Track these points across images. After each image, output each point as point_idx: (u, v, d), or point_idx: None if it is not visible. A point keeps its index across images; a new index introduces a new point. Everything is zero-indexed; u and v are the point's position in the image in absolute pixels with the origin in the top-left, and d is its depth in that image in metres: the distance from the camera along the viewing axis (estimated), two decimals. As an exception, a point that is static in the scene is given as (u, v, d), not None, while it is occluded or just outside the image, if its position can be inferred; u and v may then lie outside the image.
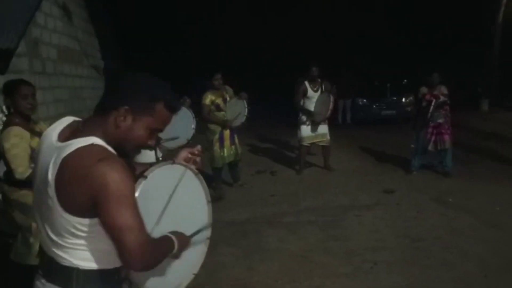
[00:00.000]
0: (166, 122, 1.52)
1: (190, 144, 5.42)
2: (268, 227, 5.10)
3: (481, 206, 5.55)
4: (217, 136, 6.31)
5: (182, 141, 5.17)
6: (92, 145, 1.36)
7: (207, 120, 6.31)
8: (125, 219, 1.31)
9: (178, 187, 1.68)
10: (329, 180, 7.16)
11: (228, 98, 6.43)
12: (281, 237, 4.79)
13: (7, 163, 3.07)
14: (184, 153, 1.79)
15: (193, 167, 1.79)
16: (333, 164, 7.75)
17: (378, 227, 5.00)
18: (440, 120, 6.83)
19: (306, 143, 7.47)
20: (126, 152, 1.48)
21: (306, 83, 7.35)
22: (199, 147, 1.87)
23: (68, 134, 1.43)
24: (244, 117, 6.31)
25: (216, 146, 6.31)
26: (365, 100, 14.17)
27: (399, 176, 7.19)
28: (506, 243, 4.42)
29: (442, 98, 6.81)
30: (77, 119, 1.53)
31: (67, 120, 1.52)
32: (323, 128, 7.43)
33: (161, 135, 5.16)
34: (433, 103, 6.74)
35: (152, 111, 1.46)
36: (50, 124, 1.55)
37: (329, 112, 7.24)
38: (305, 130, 7.38)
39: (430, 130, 6.86)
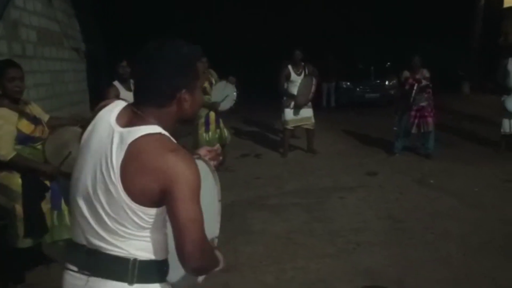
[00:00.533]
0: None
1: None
2: (253, 209, 5.15)
3: (462, 187, 5.68)
4: (202, 119, 6.30)
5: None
6: (160, 134, 1.33)
7: None
8: (195, 213, 1.29)
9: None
10: (313, 163, 7.22)
11: (213, 82, 6.43)
12: (266, 219, 4.84)
13: None
14: (204, 151, 1.75)
15: (212, 163, 1.72)
16: (317, 147, 7.80)
17: (361, 209, 5.08)
18: (423, 103, 6.92)
19: (290, 126, 7.51)
20: (190, 120, 1.49)
21: (290, 66, 7.36)
22: (218, 146, 1.83)
23: (127, 119, 1.38)
24: (234, 101, 6.35)
25: (202, 130, 6.31)
26: (349, 83, 14.23)
27: (382, 159, 7.29)
28: (485, 223, 4.54)
29: (424, 82, 6.90)
30: (129, 103, 1.46)
31: (121, 103, 1.45)
32: (307, 112, 7.46)
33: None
34: (415, 87, 6.82)
35: (197, 73, 1.45)
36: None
37: (311, 95, 7.27)
38: (289, 113, 7.41)
39: (413, 113, 6.94)
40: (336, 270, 3.67)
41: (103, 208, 1.33)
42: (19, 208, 3.20)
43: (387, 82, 13.79)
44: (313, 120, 7.52)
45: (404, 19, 18.37)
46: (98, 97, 5.09)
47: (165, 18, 17.65)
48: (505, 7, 15.65)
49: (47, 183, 3.35)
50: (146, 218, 1.33)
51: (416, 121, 6.98)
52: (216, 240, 1.75)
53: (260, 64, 17.77)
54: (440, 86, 9.10)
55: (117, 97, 4.95)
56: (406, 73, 7.03)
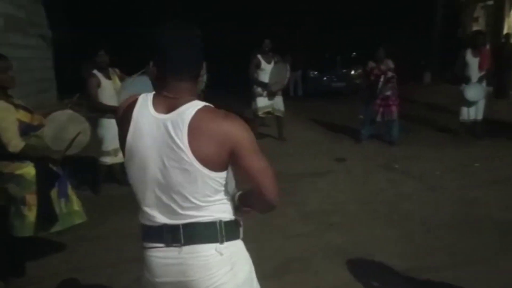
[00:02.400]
0: None
1: None
2: (228, 194, 5.31)
3: (424, 171, 6.03)
4: None
5: None
6: (205, 106, 1.48)
7: None
8: (264, 161, 1.51)
9: None
10: (283, 150, 7.45)
11: None
12: (241, 204, 5.01)
13: None
14: None
15: None
16: (287, 134, 8.03)
17: (331, 192, 5.35)
18: (388, 93, 7.23)
19: (261, 113, 7.66)
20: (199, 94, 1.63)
21: (259, 56, 7.50)
22: None
23: (167, 106, 1.49)
24: (204, 83, 6.38)
25: None
26: (316, 73, 14.50)
27: (349, 145, 7.60)
28: (445, 204, 4.88)
29: (389, 74, 7.20)
30: (153, 92, 1.57)
31: (144, 96, 1.55)
32: (278, 100, 7.64)
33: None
34: (381, 79, 7.11)
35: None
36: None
37: (286, 80, 7.43)
38: (261, 101, 7.56)
39: (378, 102, 7.25)
40: (311, 248, 3.91)
41: (183, 187, 1.48)
42: (30, 198, 3.18)
43: (353, 72, 14.12)
44: (283, 109, 7.72)
45: (369, 11, 18.78)
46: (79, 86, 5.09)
47: (133, 4, 17.39)
48: (463, 0, 16.28)
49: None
50: (221, 181, 1.51)
51: (381, 109, 7.29)
52: None
53: (229, 53, 17.79)
54: (403, 76, 9.48)
55: (99, 86, 5.01)
56: (372, 64, 7.31)
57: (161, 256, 1.56)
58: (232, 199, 1.64)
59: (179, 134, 1.43)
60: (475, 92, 7.12)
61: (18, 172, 3.16)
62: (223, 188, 1.55)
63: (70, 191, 3.52)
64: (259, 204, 1.59)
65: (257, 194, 1.54)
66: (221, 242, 1.54)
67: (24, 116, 3.16)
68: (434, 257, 3.72)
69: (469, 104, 7.24)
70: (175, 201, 1.50)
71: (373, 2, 18.69)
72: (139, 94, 1.58)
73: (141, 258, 3.83)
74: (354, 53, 15.96)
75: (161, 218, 1.54)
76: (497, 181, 5.52)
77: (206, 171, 1.45)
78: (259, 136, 7.99)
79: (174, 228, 1.53)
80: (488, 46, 10.54)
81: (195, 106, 1.47)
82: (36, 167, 3.20)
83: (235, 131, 1.46)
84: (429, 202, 4.96)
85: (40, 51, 9.54)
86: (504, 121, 8.62)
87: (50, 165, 3.32)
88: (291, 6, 19.41)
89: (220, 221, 1.54)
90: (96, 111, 5.06)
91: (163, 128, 1.46)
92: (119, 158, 5.09)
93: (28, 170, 3.20)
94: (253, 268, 1.71)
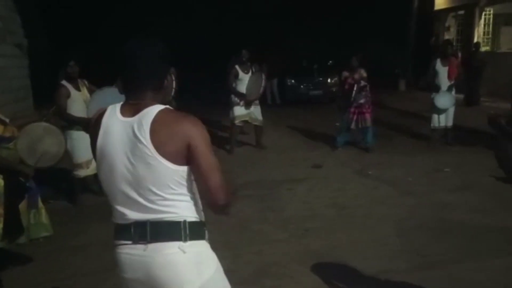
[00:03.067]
0: None
1: None
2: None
3: (397, 176, 6.21)
4: None
5: None
6: (166, 108, 1.65)
7: None
8: (214, 160, 1.64)
9: None
10: (261, 157, 7.56)
11: None
12: (220, 210, 5.09)
13: None
14: None
15: None
16: (265, 142, 8.14)
17: (309, 198, 5.47)
18: (362, 101, 7.42)
19: (238, 121, 7.71)
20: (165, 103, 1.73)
21: (237, 66, 7.58)
22: None
23: (132, 111, 1.65)
24: (173, 90, 6.37)
25: None
26: (293, 81, 14.61)
27: (326, 152, 7.75)
28: (418, 208, 5.06)
29: (362, 82, 7.40)
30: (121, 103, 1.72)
31: (113, 106, 1.70)
32: (256, 109, 7.72)
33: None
34: (355, 88, 7.30)
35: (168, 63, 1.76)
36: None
37: (261, 89, 7.53)
38: (238, 110, 7.62)
39: (352, 110, 7.43)
40: (289, 252, 4.02)
41: (149, 182, 1.60)
42: None
43: (329, 80, 14.31)
44: (261, 118, 7.81)
45: (346, 20, 19.14)
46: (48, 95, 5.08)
47: (109, 13, 17.33)
48: (436, 10, 16.76)
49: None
50: (184, 175, 1.63)
51: (355, 117, 7.47)
52: None
53: (208, 62, 17.83)
54: (379, 83, 9.73)
55: (68, 97, 5.00)
56: (345, 73, 7.49)
57: (128, 252, 1.67)
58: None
59: (142, 132, 1.58)
60: (445, 100, 7.36)
61: None
62: (185, 184, 1.65)
63: (40, 203, 3.53)
64: (208, 202, 1.68)
65: (204, 193, 1.67)
66: (184, 240, 1.63)
67: None
68: (408, 259, 3.87)
69: (440, 111, 7.48)
70: (142, 195, 1.62)
71: (350, 12, 19.07)
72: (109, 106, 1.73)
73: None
74: (330, 62, 16.17)
75: (131, 214, 1.66)
76: (466, 186, 5.74)
77: (167, 163, 1.58)
78: (238, 144, 8.10)
79: (142, 224, 1.64)
80: (459, 55, 10.96)
81: (157, 108, 1.63)
82: (5, 178, 3.20)
83: (191, 127, 1.61)
84: (402, 206, 5.12)
85: (17, 59, 9.43)
86: (474, 128, 8.90)
87: (20, 178, 3.31)
88: (268, 15, 19.63)
89: (185, 220, 1.65)
90: (67, 123, 5.03)
91: (129, 129, 1.61)
92: (91, 170, 5.10)
93: None
94: (220, 269, 1.80)
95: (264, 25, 19.33)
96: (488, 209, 4.92)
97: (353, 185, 5.95)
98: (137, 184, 1.62)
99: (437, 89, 7.43)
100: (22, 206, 3.35)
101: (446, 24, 16.58)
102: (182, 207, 1.65)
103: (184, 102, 6.94)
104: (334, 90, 13.73)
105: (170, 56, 1.75)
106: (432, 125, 7.71)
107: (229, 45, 10.90)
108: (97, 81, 5.47)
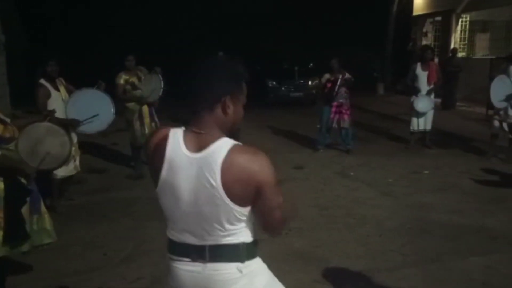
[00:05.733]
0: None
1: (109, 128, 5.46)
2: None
3: (378, 178, 6.32)
4: (136, 114, 6.35)
5: (103, 125, 5.19)
6: (234, 145, 1.58)
7: (123, 99, 6.32)
8: (280, 200, 1.65)
9: None
10: (244, 158, 7.55)
11: (143, 77, 6.49)
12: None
13: None
14: None
15: None
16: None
17: (290, 199, 5.50)
18: (342, 100, 7.49)
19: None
20: (233, 133, 1.68)
21: None
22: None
23: (197, 143, 1.60)
24: (161, 89, 6.33)
25: (137, 125, 6.36)
26: (274, 83, 14.68)
27: (307, 154, 7.83)
28: (397, 208, 5.17)
29: (347, 75, 7.46)
30: (179, 128, 1.66)
31: (174, 131, 1.66)
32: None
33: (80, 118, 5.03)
34: (338, 82, 7.36)
35: (242, 89, 1.68)
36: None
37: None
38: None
39: (333, 109, 7.51)
40: (271, 252, 3.99)
41: (213, 219, 1.61)
42: None
43: (310, 82, 14.42)
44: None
45: (326, 25, 19.34)
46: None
47: (88, 9, 17.11)
48: (414, 15, 17.07)
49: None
50: (246, 214, 1.64)
51: (337, 116, 7.56)
52: None
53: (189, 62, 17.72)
54: (358, 86, 9.85)
55: (49, 97, 4.90)
56: (327, 76, 7.56)
57: (186, 269, 1.70)
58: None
59: (212, 174, 1.55)
60: (424, 103, 7.52)
61: None
62: (247, 217, 1.66)
63: (43, 208, 3.42)
64: (265, 231, 1.73)
65: (263, 224, 1.70)
66: (242, 262, 1.67)
67: None
68: (387, 258, 3.96)
69: (419, 115, 7.64)
70: (204, 229, 1.64)
71: (330, 16, 19.28)
72: (166, 128, 1.69)
73: (104, 266, 3.85)
74: (311, 64, 16.30)
75: (189, 240, 1.68)
76: (444, 187, 5.88)
77: (235, 206, 1.59)
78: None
79: (200, 248, 1.67)
80: (436, 60, 11.19)
81: (225, 146, 1.57)
82: (4, 182, 3.07)
83: (261, 171, 1.57)
84: (382, 207, 5.22)
85: (-7, 56, 9.24)
86: (451, 131, 9.14)
87: (22, 180, 3.20)
88: (250, 17, 19.68)
89: (243, 243, 1.67)
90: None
91: (197, 168, 1.58)
92: (69, 170, 5.02)
93: None
94: (272, 277, 1.87)
95: (244, 28, 19.38)
96: (465, 210, 5.06)
97: (334, 186, 6.02)
98: (201, 219, 1.62)
99: (416, 92, 7.58)
100: (25, 211, 3.21)
101: (424, 30, 16.90)
102: (241, 234, 1.67)
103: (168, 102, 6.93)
104: (314, 92, 13.85)
105: (242, 79, 1.67)
106: (411, 128, 7.86)
107: (208, 48, 10.88)
108: (74, 80, 5.42)
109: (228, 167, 1.54)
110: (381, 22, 16.88)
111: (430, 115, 7.69)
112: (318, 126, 7.90)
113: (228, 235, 1.64)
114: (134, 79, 6.38)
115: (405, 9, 17.09)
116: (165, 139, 1.64)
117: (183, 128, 1.66)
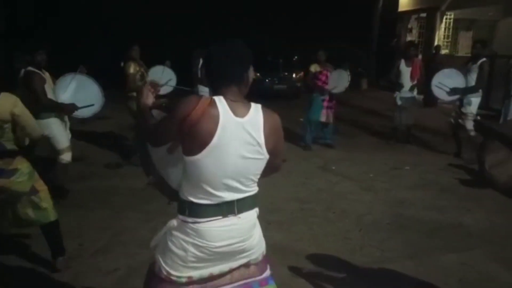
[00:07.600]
0: None
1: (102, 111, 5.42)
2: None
3: (359, 173, 6.35)
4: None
5: (96, 108, 5.15)
6: (262, 107, 1.94)
7: (135, 89, 6.10)
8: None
9: None
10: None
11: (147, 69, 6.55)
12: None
13: None
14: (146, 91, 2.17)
15: None
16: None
17: (272, 192, 5.47)
18: (335, 91, 7.47)
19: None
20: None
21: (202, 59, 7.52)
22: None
23: (240, 110, 1.87)
24: (175, 84, 6.55)
25: None
26: (258, 74, 14.62)
27: (289, 147, 7.76)
28: (377, 204, 5.19)
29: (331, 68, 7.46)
30: (216, 96, 1.87)
31: (220, 101, 1.85)
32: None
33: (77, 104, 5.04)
34: (329, 75, 7.35)
35: (252, 65, 2.00)
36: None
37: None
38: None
39: (325, 104, 7.49)
40: (250, 245, 4.02)
41: (252, 172, 1.92)
42: (37, 184, 3.38)
43: (294, 75, 14.41)
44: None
45: (311, 20, 19.32)
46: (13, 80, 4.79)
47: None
48: (399, 11, 17.18)
49: None
50: None
51: (328, 111, 7.54)
52: None
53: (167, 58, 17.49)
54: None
55: (44, 83, 4.76)
56: (316, 67, 7.52)
57: (220, 225, 1.92)
58: None
59: (258, 135, 1.89)
60: (407, 99, 7.56)
61: (20, 166, 3.25)
62: None
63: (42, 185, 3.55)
64: (273, 171, 2.11)
65: (273, 166, 2.05)
66: (257, 206, 2.04)
67: None
68: (366, 254, 3.97)
69: (401, 110, 7.68)
70: (241, 183, 1.91)
71: (315, 12, 19.27)
72: (200, 96, 1.86)
73: (79, 256, 3.78)
74: (295, 57, 16.28)
75: (223, 196, 1.90)
76: (424, 184, 5.93)
77: (267, 157, 1.94)
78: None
79: (230, 203, 1.92)
80: (419, 57, 11.26)
81: (258, 109, 1.93)
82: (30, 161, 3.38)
83: (280, 124, 2.00)
84: (363, 202, 5.24)
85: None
86: (432, 128, 9.22)
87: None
88: (235, 10, 19.51)
89: (257, 191, 2.01)
90: (44, 110, 4.71)
91: (244, 130, 1.87)
92: (71, 156, 5.05)
93: (26, 162, 3.33)
94: None
95: (227, 20, 19.20)
96: (443, 206, 5.11)
97: (315, 180, 6.02)
98: (241, 175, 1.89)
99: (399, 88, 7.61)
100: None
101: (409, 26, 17.02)
102: (256, 184, 1.99)
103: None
104: (298, 85, 13.84)
105: (251, 57, 1.97)
106: (393, 124, 7.90)
107: (189, 39, 10.72)
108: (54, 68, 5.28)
109: (266, 126, 1.90)
110: (366, 17, 16.94)
111: (412, 111, 7.72)
112: (302, 119, 7.85)
113: (254, 186, 1.96)
114: (142, 70, 6.34)
115: (390, 5, 17.16)
116: (211, 106, 1.83)
117: (220, 96, 1.87)
